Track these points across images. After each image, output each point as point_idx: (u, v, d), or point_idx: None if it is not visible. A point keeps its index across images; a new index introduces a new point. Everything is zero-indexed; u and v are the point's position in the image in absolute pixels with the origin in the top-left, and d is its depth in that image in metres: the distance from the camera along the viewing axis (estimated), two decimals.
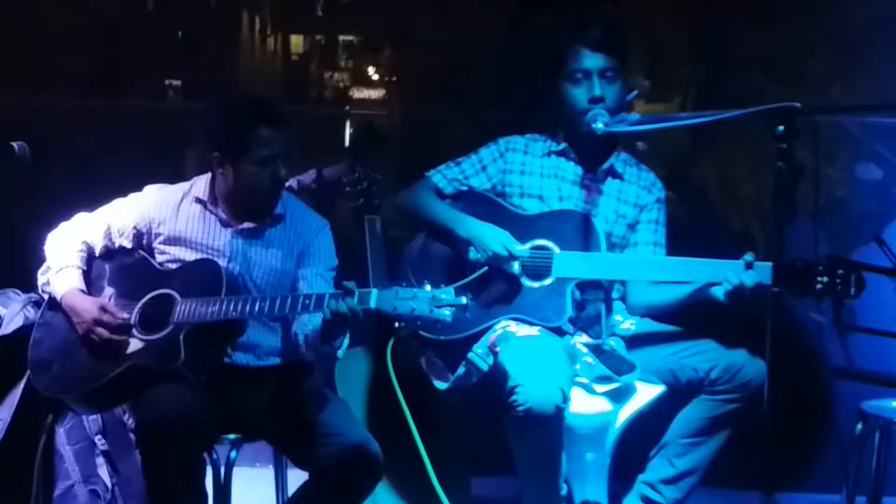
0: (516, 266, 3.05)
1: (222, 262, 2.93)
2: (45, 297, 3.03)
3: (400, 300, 2.60)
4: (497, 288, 3.09)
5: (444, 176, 3.26)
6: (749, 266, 2.84)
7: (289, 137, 2.96)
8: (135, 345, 2.85)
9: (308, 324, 2.87)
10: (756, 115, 2.60)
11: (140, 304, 2.90)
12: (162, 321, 2.84)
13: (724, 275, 2.86)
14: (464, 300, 2.59)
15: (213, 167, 3.00)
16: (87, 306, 2.89)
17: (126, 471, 3.49)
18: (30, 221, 3.21)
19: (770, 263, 2.62)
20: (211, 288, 2.84)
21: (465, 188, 3.25)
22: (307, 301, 2.73)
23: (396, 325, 3.03)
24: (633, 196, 3.22)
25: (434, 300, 2.57)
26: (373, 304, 2.61)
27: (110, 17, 4.13)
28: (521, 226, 3.12)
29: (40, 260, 3.04)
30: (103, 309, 2.87)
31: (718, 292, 2.90)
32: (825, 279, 2.60)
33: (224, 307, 2.79)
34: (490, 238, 3.06)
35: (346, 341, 2.98)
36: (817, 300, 2.69)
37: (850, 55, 3.92)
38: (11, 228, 3.68)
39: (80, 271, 2.99)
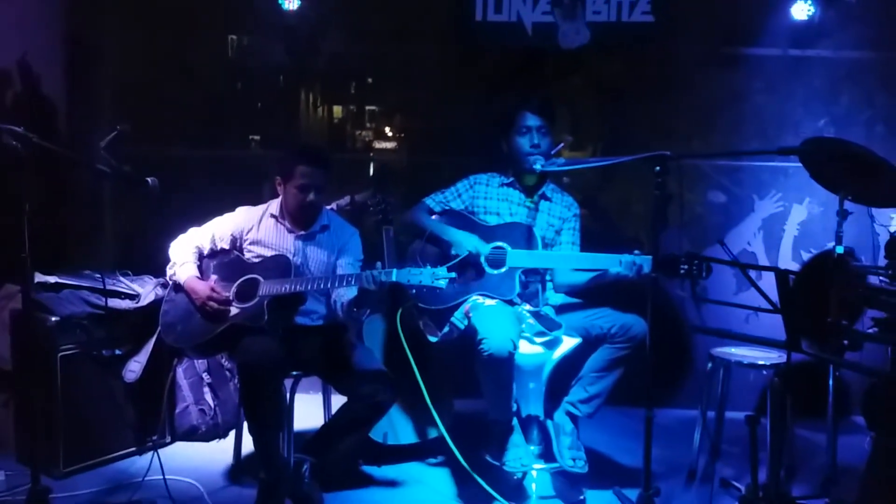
0: (482, 258, 3.07)
1: (290, 257, 2.94)
2: (171, 283, 3.02)
3: (412, 275, 2.63)
4: (470, 274, 3.09)
5: (433, 200, 3.26)
6: (635, 257, 2.86)
7: (322, 177, 2.96)
8: (232, 311, 2.86)
9: (343, 296, 2.88)
10: (642, 160, 2.61)
11: (236, 285, 2.91)
12: (251, 295, 2.85)
13: (618, 263, 2.88)
14: (453, 274, 2.65)
15: (277, 188, 3.02)
16: (202, 287, 2.90)
17: (223, 396, 3.51)
18: (158, 232, 3.19)
19: (650, 256, 2.65)
20: (284, 273, 2.86)
21: (448, 208, 3.25)
22: (350, 279, 2.76)
23: (405, 298, 3.06)
24: (558, 212, 3.22)
25: (434, 275, 2.62)
26: (394, 278, 2.64)
27: (213, 93, 4.13)
28: (485, 233, 3.12)
29: (165, 257, 3.04)
30: (213, 289, 2.89)
31: (614, 274, 2.90)
32: (686, 266, 2.62)
33: (294, 284, 2.81)
34: (466, 241, 3.08)
35: (368, 311, 2.99)
36: (681, 281, 2.70)
37: (704, 120, 3.90)
38: (146, 236, 3.67)
39: (196, 265, 3.00)
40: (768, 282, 2.35)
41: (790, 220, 3.92)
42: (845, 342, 2.65)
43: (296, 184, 2.94)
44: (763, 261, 3.91)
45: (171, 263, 3.00)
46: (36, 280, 3.04)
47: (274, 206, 3.07)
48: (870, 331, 2.74)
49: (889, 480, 2.15)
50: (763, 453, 2.52)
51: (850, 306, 2.64)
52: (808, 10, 3.78)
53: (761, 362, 2.98)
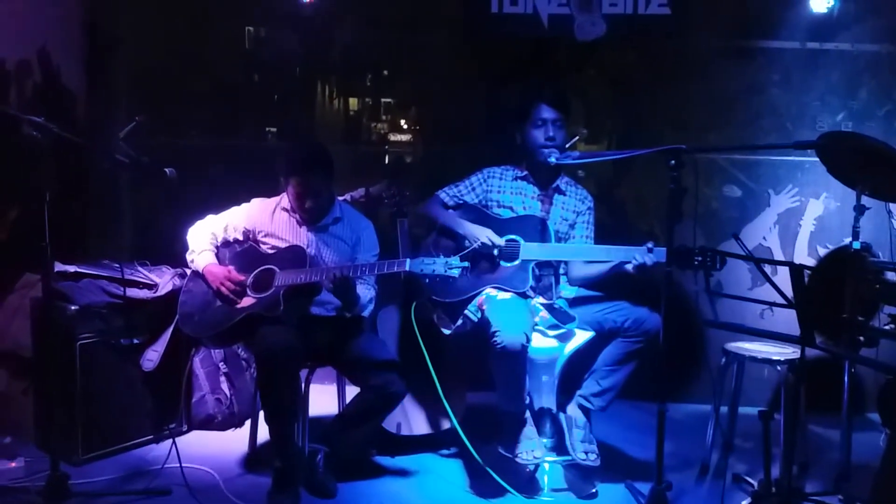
0: (496, 251, 3.05)
1: (304, 248, 2.94)
2: (189, 272, 3.03)
3: (426, 265, 2.65)
4: (483, 266, 3.09)
5: (447, 194, 3.24)
6: (650, 250, 2.83)
7: (318, 183, 2.94)
8: (249, 301, 2.87)
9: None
10: (657, 153, 2.60)
11: (252, 275, 2.92)
12: (267, 285, 2.87)
13: (633, 256, 2.85)
14: (466, 264, 2.67)
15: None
16: (220, 271, 2.93)
17: (239, 385, 3.52)
18: (176, 222, 3.21)
19: (664, 248, 2.63)
20: (299, 264, 2.87)
21: (461, 202, 3.23)
22: (364, 268, 2.78)
23: (419, 292, 3.06)
24: (572, 206, 3.20)
25: (447, 264, 2.64)
26: (408, 268, 2.66)
27: (230, 85, 4.14)
28: (499, 226, 3.11)
29: (183, 247, 3.06)
30: (230, 271, 2.92)
31: (629, 267, 2.89)
32: (700, 257, 2.60)
33: (310, 274, 2.82)
34: (480, 234, 3.06)
35: (372, 305, 2.99)
36: (695, 272, 2.69)
37: (720, 113, 3.87)
38: (164, 226, 3.69)
39: (213, 253, 3.02)
40: (784, 277, 2.33)
41: (806, 214, 3.88)
42: (861, 338, 2.63)
43: (293, 191, 2.97)
44: (779, 256, 3.86)
45: (189, 251, 3.03)
46: (56, 269, 3.06)
47: (286, 198, 3.07)
48: (886, 327, 2.72)
49: None
50: (776, 449, 2.52)
51: (866, 302, 2.62)
52: (828, 3, 3.73)
53: (775, 357, 2.96)
